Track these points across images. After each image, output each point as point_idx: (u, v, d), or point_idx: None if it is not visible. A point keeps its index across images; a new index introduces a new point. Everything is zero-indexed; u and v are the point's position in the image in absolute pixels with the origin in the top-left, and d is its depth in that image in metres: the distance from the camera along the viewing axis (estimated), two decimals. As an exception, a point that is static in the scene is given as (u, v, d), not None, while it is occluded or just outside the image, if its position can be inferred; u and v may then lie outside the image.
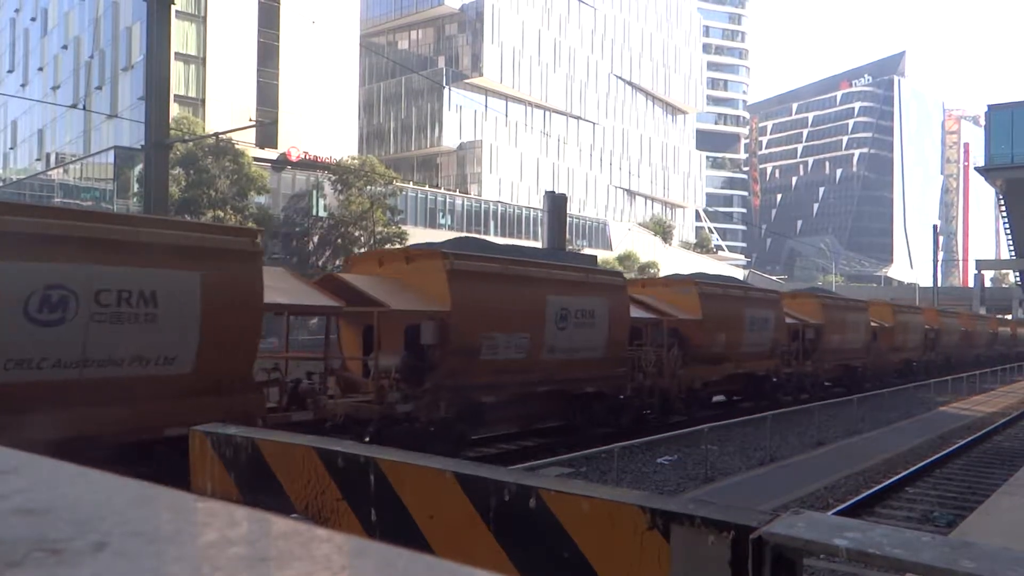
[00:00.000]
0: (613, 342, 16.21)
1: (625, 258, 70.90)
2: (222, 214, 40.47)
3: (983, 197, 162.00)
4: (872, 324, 29.31)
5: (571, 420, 16.20)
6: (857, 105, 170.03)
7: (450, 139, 77.81)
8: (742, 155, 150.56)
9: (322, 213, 52.33)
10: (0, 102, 73.62)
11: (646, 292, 19.68)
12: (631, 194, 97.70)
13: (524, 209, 74.04)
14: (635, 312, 17.64)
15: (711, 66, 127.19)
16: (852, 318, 27.58)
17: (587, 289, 15.85)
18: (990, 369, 35.43)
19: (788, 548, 1.82)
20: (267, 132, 52.24)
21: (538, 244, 50.85)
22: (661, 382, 17.81)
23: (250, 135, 45.89)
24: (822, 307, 25.87)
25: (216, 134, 33.20)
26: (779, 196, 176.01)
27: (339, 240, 48.00)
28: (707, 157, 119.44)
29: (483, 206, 70.73)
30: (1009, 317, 70.32)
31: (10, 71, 77.21)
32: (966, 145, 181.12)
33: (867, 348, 28.54)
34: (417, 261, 13.90)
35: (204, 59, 53.17)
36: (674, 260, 77.45)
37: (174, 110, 36.49)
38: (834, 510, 10.38)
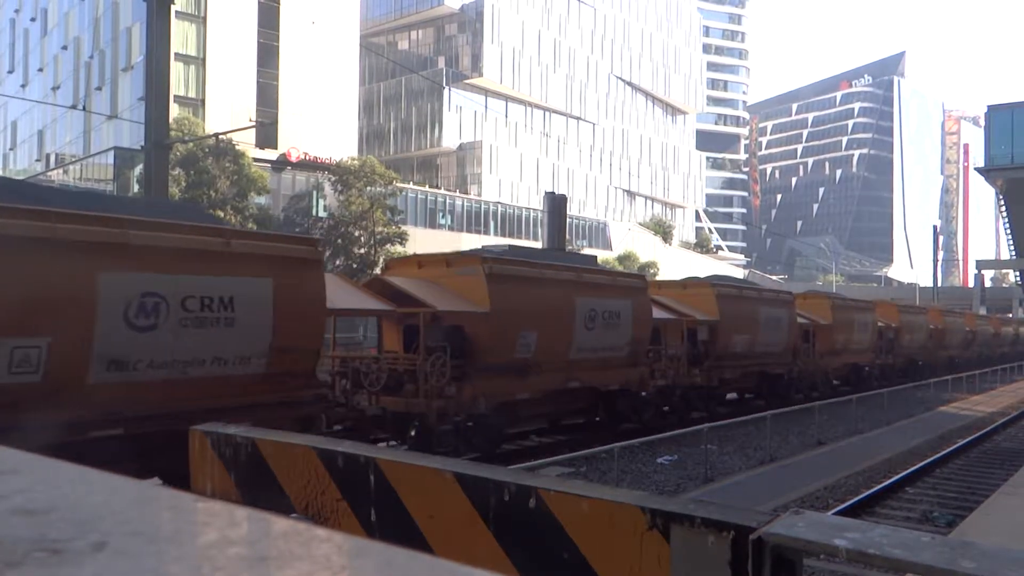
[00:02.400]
0: (282, 348, 10.41)
1: (625, 258, 70.90)
2: (222, 214, 40.46)
3: (983, 197, 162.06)
4: (801, 321, 24.57)
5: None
6: (857, 105, 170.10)
7: (450, 139, 77.83)
8: (742, 155, 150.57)
9: (322, 214, 52.32)
10: (0, 102, 73.63)
11: (422, 274, 14.48)
12: (631, 194, 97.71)
13: (524, 210, 74.02)
14: (370, 304, 13.01)
15: (711, 66, 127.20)
16: (768, 314, 22.16)
17: (216, 263, 9.86)
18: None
19: (788, 548, 1.82)
20: (267, 132, 52.24)
21: (538, 244, 50.86)
22: (415, 405, 12.69)
23: (250, 135, 45.89)
24: (718, 300, 20.29)
25: (216, 134, 33.20)
26: (779, 196, 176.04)
27: (339, 241, 48.00)
28: (707, 157, 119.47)
29: (483, 206, 70.73)
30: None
31: (10, 71, 77.22)
32: (966, 145, 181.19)
33: (794, 351, 23.69)
34: None
35: (204, 59, 53.17)
36: (674, 260, 77.52)
37: (174, 110, 36.49)
38: (834, 510, 10.38)
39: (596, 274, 16.77)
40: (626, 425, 16.51)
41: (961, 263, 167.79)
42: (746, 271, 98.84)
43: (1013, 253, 65.76)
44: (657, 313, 18.33)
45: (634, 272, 17.89)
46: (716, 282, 21.82)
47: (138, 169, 42.10)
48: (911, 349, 34.22)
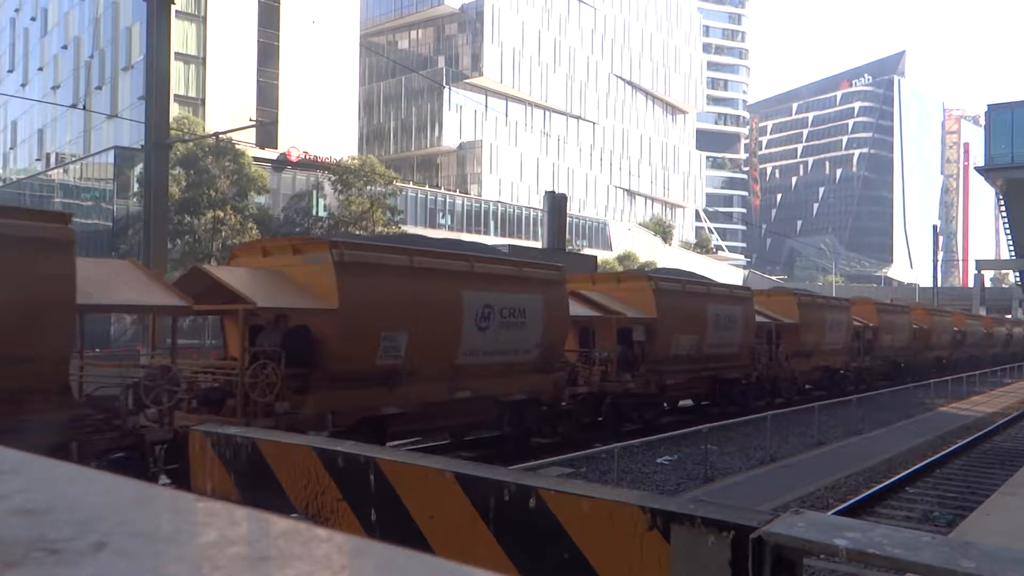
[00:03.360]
0: (2, 358, 8.09)
1: (625, 258, 70.92)
2: (222, 214, 40.47)
3: (983, 197, 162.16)
4: (762, 320, 22.08)
5: None
6: (857, 105, 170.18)
7: (450, 139, 77.87)
8: (742, 155, 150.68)
9: (322, 213, 52.36)
10: (0, 102, 73.67)
11: (268, 263, 12.02)
12: (631, 194, 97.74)
13: (524, 209, 74.06)
14: (150, 299, 10.04)
15: (711, 66, 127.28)
16: (720, 312, 19.76)
17: None
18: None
19: (788, 548, 1.82)
20: (267, 132, 52.27)
21: (538, 244, 50.87)
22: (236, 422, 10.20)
23: (250, 135, 45.90)
24: (656, 294, 17.80)
25: (216, 134, 33.21)
26: (779, 196, 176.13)
27: (339, 240, 48.06)
28: (707, 157, 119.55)
29: (483, 206, 70.76)
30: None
31: (10, 71, 77.25)
32: (966, 145, 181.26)
33: (752, 353, 21.34)
34: None
35: (204, 59, 53.20)
36: (674, 260, 77.52)
37: (174, 110, 36.50)
38: (834, 510, 10.38)
39: (493, 263, 13.94)
40: (538, 440, 14.37)
41: (961, 263, 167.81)
42: (746, 271, 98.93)
43: (1013, 253, 65.78)
44: (581, 310, 16.11)
45: (548, 262, 16.01)
46: (655, 275, 19.09)
47: (138, 168, 42.12)
48: (892, 350, 31.90)
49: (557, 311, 14.51)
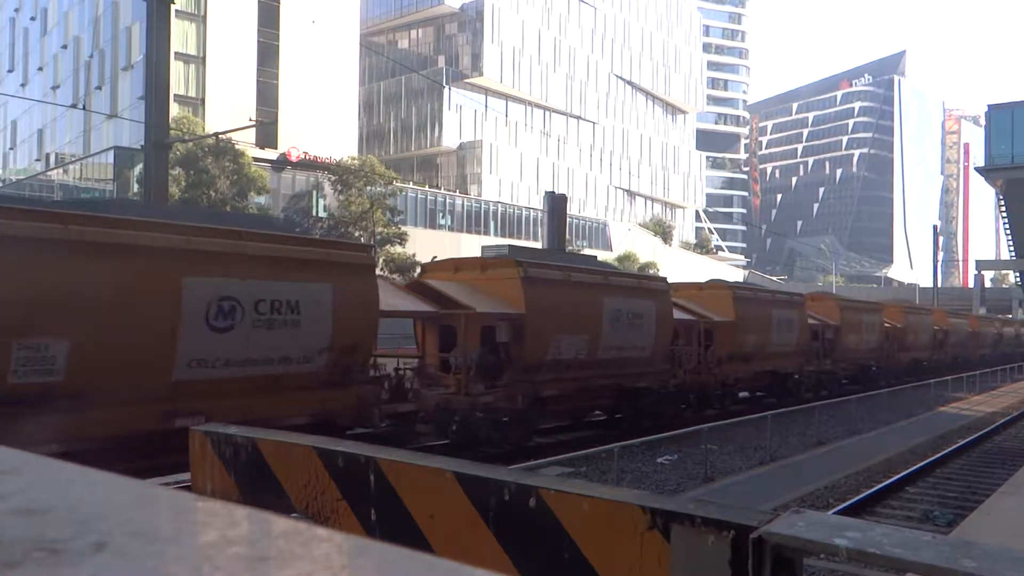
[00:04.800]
0: None
1: (625, 258, 70.88)
2: (222, 214, 40.48)
3: (983, 197, 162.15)
4: (684, 317, 19.01)
5: None
6: (857, 105, 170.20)
7: (450, 139, 77.86)
8: (742, 155, 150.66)
9: (322, 213, 52.35)
10: (0, 102, 73.65)
11: None
12: (631, 194, 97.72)
13: (524, 209, 74.03)
14: None
15: (711, 66, 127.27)
16: (620, 307, 16.05)
17: None
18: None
19: (788, 548, 1.82)
20: (267, 132, 52.26)
21: (538, 244, 50.87)
22: None
23: (250, 135, 45.89)
24: (525, 285, 14.11)
25: (216, 134, 33.19)
26: (779, 196, 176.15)
27: (339, 240, 48.03)
28: (707, 157, 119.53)
29: (483, 206, 70.73)
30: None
31: (10, 71, 77.25)
32: (966, 145, 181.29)
33: (671, 357, 18.26)
34: None
35: (204, 59, 53.19)
36: (674, 261, 77.52)
37: (174, 110, 36.51)
38: (834, 510, 10.38)
39: (242, 240, 10.01)
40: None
41: (961, 263, 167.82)
42: (746, 271, 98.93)
43: (1013, 253, 65.76)
44: (419, 305, 13.31)
45: (350, 241, 12.04)
46: (527, 260, 15.03)
47: (138, 168, 42.12)
48: (859, 353, 28.81)
49: (358, 305, 11.16)
